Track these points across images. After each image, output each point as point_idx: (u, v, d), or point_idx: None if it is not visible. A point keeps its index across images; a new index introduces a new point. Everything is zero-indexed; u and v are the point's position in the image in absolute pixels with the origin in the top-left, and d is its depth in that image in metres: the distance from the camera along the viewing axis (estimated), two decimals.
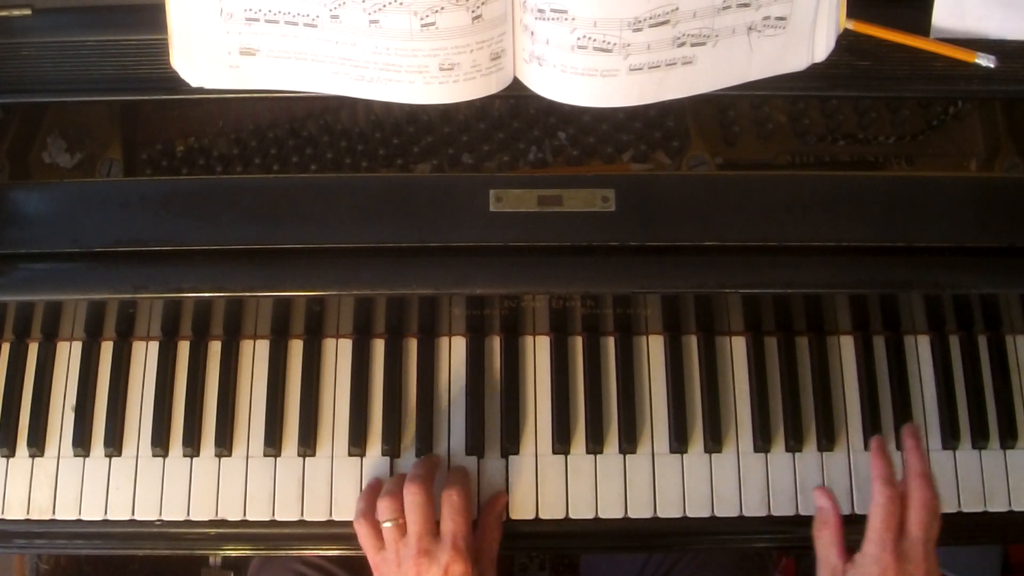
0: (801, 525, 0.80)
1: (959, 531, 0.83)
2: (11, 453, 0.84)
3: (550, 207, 0.74)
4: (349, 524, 0.80)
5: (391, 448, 0.83)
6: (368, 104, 0.79)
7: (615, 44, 0.69)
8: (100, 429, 0.84)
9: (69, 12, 0.77)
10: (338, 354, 0.85)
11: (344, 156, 0.85)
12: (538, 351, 0.85)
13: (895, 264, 0.75)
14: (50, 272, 0.75)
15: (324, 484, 0.82)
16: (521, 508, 0.82)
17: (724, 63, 0.72)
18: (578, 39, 0.68)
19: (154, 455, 0.83)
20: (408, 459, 0.83)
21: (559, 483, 0.82)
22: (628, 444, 0.82)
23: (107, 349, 0.86)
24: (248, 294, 0.76)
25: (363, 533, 0.77)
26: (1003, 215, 0.75)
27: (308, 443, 0.83)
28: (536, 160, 0.85)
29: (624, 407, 0.83)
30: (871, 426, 0.83)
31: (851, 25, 0.74)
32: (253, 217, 0.74)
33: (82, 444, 0.83)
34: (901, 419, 0.84)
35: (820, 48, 0.74)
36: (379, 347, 0.85)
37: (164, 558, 1.35)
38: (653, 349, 0.85)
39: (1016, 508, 0.83)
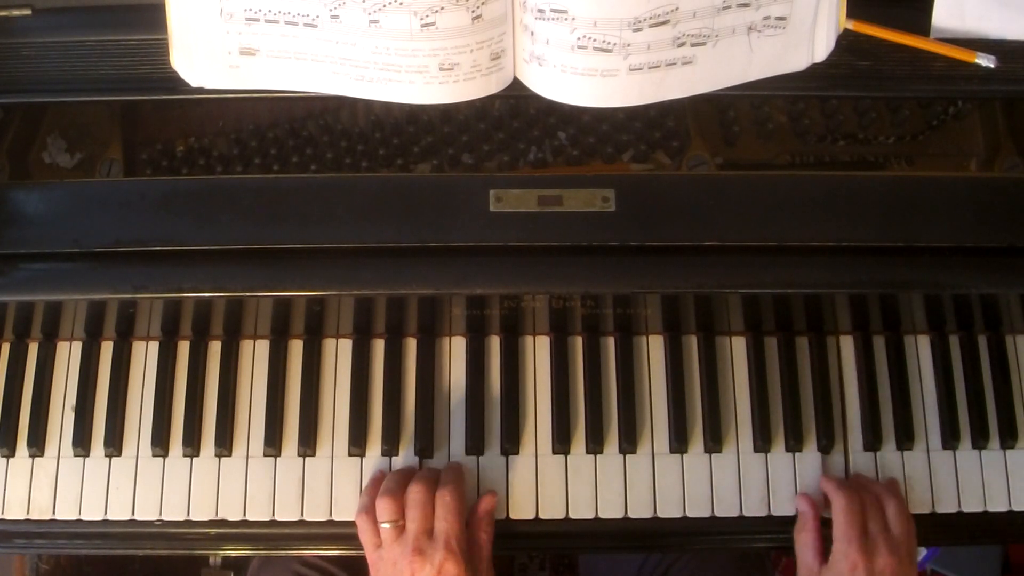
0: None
1: (959, 531, 0.83)
2: (11, 453, 0.84)
3: (550, 207, 0.74)
4: (349, 524, 0.80)
5: (391, 448, 0.83)
6: (368, 104, 0.79)
7: (615, 44, 0.69)
8: (100, 429, 0.84)
9: (69, 12, 0.77)
10: (338, 354, 0.85)
11: (344, 156, 0.85)
12: (538, 351, 0.85)
13: (895, 264, 0.75)
14: (50, 272, 0.75)
15: (324, 484, 0.82)
16: (521, 508, 0.82)
17: (724, 63, 0.72)
18: (578, 39, 0.68)
19: (154, 455, 0.83)
20: (408, 459, 0.83)
21: (559, 483, 0.82)
22: (628, 444, 0.82)
23: (107, 349, 0.86)
24: (248, 294, 0.76)
25: (363, 528, 0.77)
26: (1003, 215, 0.75)
27: (308, 443, 0.83)
28: (536, 160, 0.85)
29: (624, 407, 0.83)
30: (871, 426, 0.83)
31: (851, 25, 0.74)
32: (253, 217, 0.74)
33: (82, 444, 0.83)
34: (901, 419, 0.84)
35: (820, 48, 0.74)
36: (379, 347, 0.85)
37: (164, 558, 1.35)
38: (653, 349, 0.85)
39: (1016, 508, 0.83)
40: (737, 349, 0.86)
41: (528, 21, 0.70)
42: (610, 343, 0.85)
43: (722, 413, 0.83)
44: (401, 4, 0.67)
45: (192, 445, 0.83)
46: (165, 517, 0.82)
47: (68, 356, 0.86)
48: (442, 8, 0.68)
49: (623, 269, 0.74)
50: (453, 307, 0.82)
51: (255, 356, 0.86)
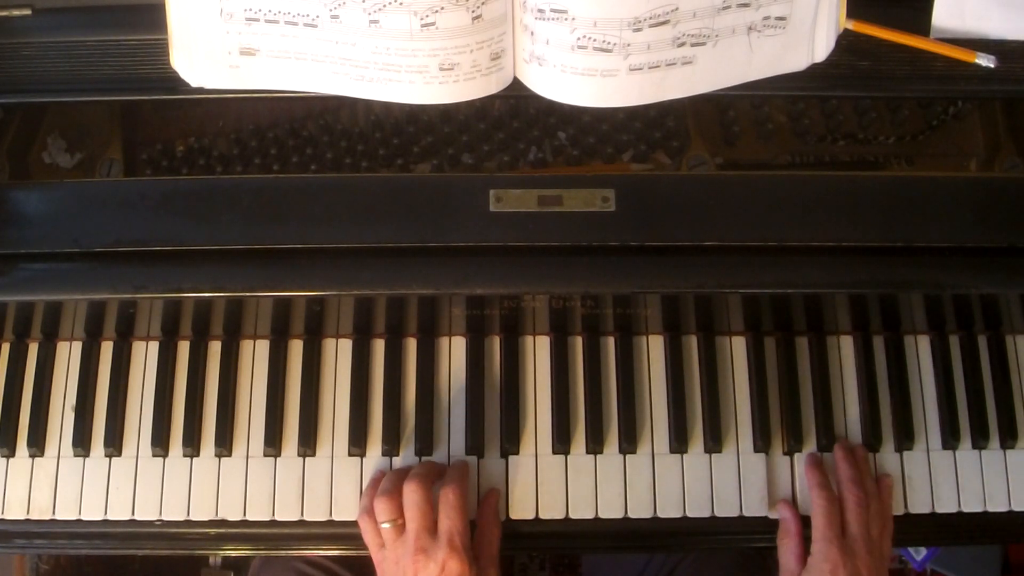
0: (802, 525, 0.80)
1: (959, 531, 0.83)
2: (11, 453, 0.84)
3: (550, 207, 0.74)
4: (349, 524, 0.80)
5: (391, 448, 0.83)
6: (368, 104, 0.79)
7: (615, 44, 0.69)
8: (100, 429, 0.84)
9: (69, 12, 0.77)
10: (338, 354, 0.85)
11: (344, 156, 0.85)
12: (538, 351, 0.85)
13: (895, 264, 0.75)
14: (50, 272, 0.75)
15: (324, 484, 0.82)
16: (521, 508, 0.82)
17: (724, 63, 0.72)
18: (578, 39, 0.68)
19: (154, 455, 0.83)
20: (408, 459, 0.83)
21: (559, 483, 0.82)
22: (628, 444, 0.82)
23: (107, 349, 0.86)
24: (248, 294, 0.76)
25: (366, 529, 0.77)
26: (1003, 215, 0.75)
27: (308, 443, 0.83)
28: (536, 160, 0.85)
29: (624, 407, 0.83)
30: (871, 426, 0.84)
31: (851, 25, 0.74)
32: (253, 217, 0.74)
33: (82, 444, 0.83)
34: (901, 419, 0.84)
35: (820, 48, 0.74)
36: (379, 347, 0.85)
37: (164, 558, 1.35)
38: (653, 349, 0.85)
39: (1016, 508, 0.83)
40: (737, 349, 0.86)
41: (528, 21, 0.70)
42: (610, 343, 0.85)
43: (722, 413, 0.83)
44: (401, 4, 0.67)
45: (192, 445, 0.83)
46: (165, 517, 0.82)
47: (68, 356, 0.86)
48: (442, 8, 0.68)
49: (623, 269, 0.74)
50: (453, 307, 0.82)
51: (255, 356, 0.86)
